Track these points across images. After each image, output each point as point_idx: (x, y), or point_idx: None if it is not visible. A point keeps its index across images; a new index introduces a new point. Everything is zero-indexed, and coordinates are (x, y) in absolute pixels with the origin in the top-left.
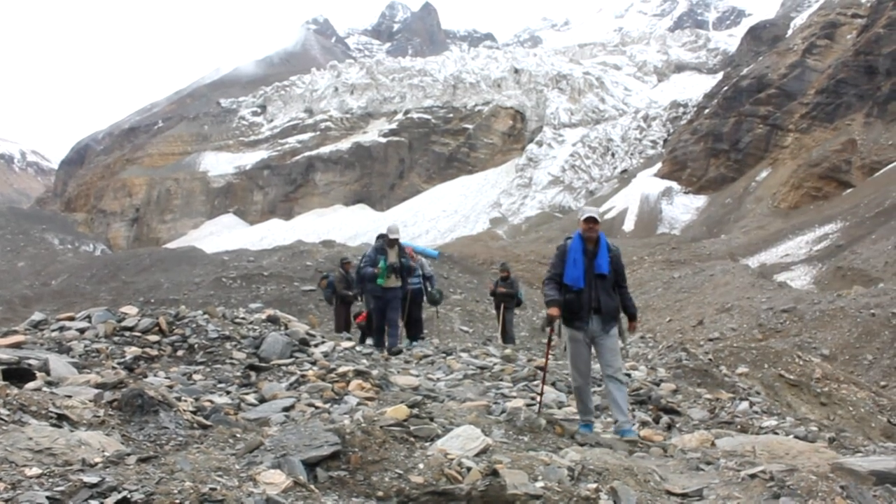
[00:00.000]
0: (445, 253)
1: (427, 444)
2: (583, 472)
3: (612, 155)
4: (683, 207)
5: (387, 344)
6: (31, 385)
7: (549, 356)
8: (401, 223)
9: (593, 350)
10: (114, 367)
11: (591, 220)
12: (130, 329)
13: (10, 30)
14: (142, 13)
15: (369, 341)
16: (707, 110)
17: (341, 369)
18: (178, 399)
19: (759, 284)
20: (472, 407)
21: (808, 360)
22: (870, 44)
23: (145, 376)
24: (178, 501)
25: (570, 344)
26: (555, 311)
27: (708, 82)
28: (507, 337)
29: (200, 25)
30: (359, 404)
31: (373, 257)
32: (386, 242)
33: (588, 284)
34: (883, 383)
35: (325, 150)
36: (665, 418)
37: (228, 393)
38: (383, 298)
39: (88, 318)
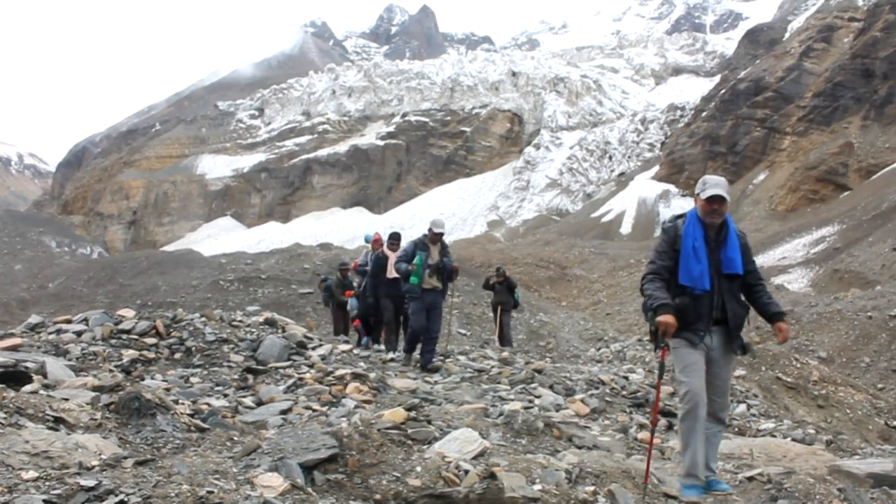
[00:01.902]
0: None
1: (424, 446)
2: (580, 475)
3: (610, 158)
4: (681, 210)
5: (422, 359)
6: (27, 388)
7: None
8: (398, 226)
9: None
10: (111, 370)
11: (716, 200)
12: (127, 332)
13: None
14: (140, 15)
15: (377, 347)
16: (704, 113)
17: (339, 372)
18: (176, 402)
19: None
20: (469, 410)
21: (805, 363)
22: (867, 47)
23: (142, 379)
24: None
25: (682, 357)
26: (669, 318)
27: (705, 85)
28: (505, 340)
29: (198, 28)
30: (356, 407)
31: (409, 251)
32: (429, 238)
33: (713, 286)
34: (880, 386)
35: (322, 152)
36: (663, 421)
37: (226, 396)
38: (422, 301)
39: (85, 320)
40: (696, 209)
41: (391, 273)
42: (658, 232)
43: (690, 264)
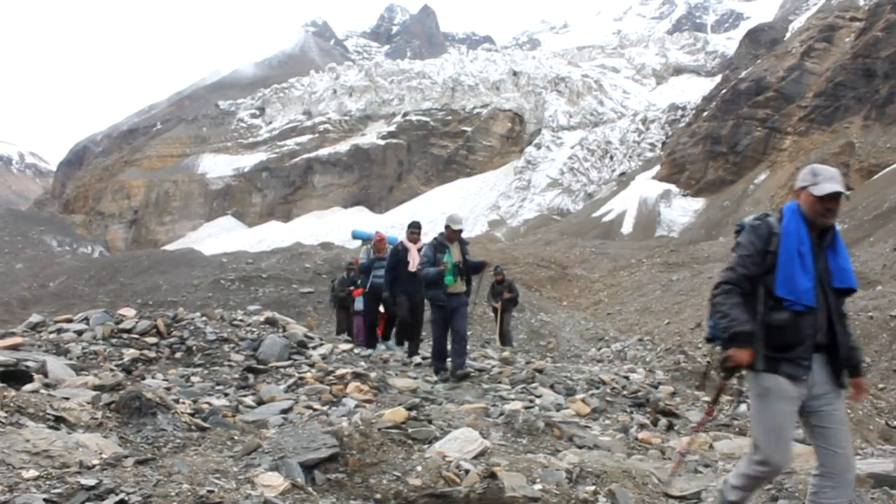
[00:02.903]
0: None
1: (425, 446)
2: (581, 475)
3: (611, 157)
4: (682, 210)
5: (450, 365)
6: (28, 387)
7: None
8: (399, 225)
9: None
10: (112, 370)
11: (834, 199)
12: (128, 331)
13: (8, 31)
14: (141, 15)
15: (389, 344)
16: (705, 113)
17: (339, 371)
18: (176, 401)
19: None
20: (470, 409)
21: None
22: (868, 47)
23: (143, 378)
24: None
25: (767, 403)
26: (746, 355)
27: (706, 85)
28: (505, 339)
29: (200, 27)
30: (357, 406)
31: (431, 255)
32: (446, 235)
33: (818, 302)
34: (881, 386)
35: (323, 152)
36: (663, 421)
37: (226, 395)
38: (447, 307)
39: (86, 320)
40: (797, 205)
41: (413, 266)
42: (659, 231)
43: (795, 273)
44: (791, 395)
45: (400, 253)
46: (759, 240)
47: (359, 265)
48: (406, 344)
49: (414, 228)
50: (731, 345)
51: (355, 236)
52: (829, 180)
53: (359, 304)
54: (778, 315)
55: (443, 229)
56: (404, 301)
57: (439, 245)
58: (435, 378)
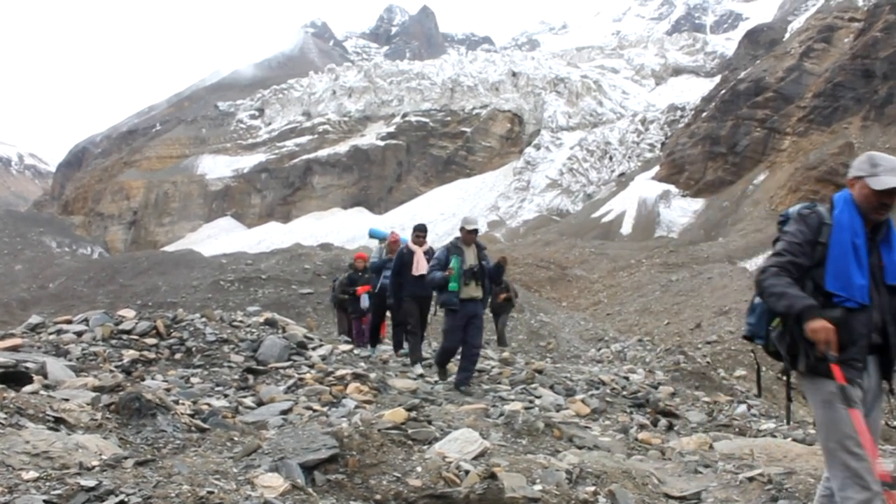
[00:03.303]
0: None
1: (425, 447)
2: (581, 476)
3: (610, 158)
4: (681, 210)
5: (457, 376)
6: (28, 388)
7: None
8: (398, 226)
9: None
10: (111, 371)
11: (892, 194)
12: (128, 332)
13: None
14: (140, 16)
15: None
16: (705, 114)
17: (339, 372)
18: (176, 402)
19: None
20: (470, 410)
21: None
22: (867, 47)
23: (143, 379)
24: None
25: (842, 416)
26: (826, 326)
27: (705, 86)
28: (501, 341)
29: (199, 28)
30: (356, 407)
31: (443, 258)
32: (461, 238)
33: (872, 299)
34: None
35: (322, 153)
36: (663, 421)
37: (226, 396)
38: (461, 314)
39: (86, 321)
40: (849, 195)
41: (417, 270)
42: (659, 232)
43: (849, 267)
44: (851, 397)
45: (405, 256)
46: (809, 229)
47: (370, 264)
48: (405, 346)
49: (419, 231)
50: (805, 319)
51: (372, 235)
52: (889, 172)
53: (364, 303)
54: (829, 312)
55: (446, 230)
56: (413, 307)
57: (453, 248)
58: (435, 379)
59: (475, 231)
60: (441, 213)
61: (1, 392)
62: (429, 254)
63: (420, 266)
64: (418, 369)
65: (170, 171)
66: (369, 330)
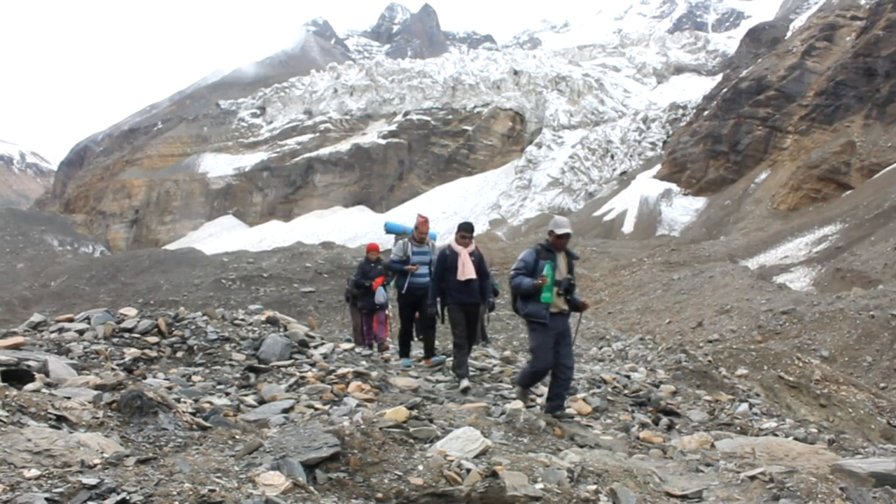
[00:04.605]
0: None
1: (426, 445)
2: (582, 474)
3: (612, 157)
4: (683, 209)
5: (548, 404)
6: (30, 386)
7: None
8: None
9: None
10: (113, 369)
11: None
12: (129, 330)
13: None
14: (142, 14)
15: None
16: (706, 112)
17: (340, 371)
18: (178, 400)
19: (759, 286)
20: (471, 408)
21: (807, 362)
22: (869, 46)
23: (144, 378)
24: (177, 503)
25: None
26: None
27: (707, 84)
28: (483, 334)
29: (201, 27)
30: (358, 406)
31: (530, 262)
32: (552, 243)
33: None
34: (882, 385)
35: (324, 151)
36: (665, 420)
37: (228, 394)
38: (551, 330)
39: (87, 319)
40: None
41: (463, 274)
42: (660, 230)
43: None
44: None
45: (448, 258)
46: None
47: (390, 261)
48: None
49: (465, 231)
50: None
51: (389, 230)
52: None
53: (379, 297)
54: None
55: (447, 228)
56: (459, 316)
57: (543, 251)
58: (436, 378)
59: (567, 236)
60: (443, 211)
61: (3, 390)
62: (475, 256)
63: (466, 270)
64: (465, 383)
65: (171, 170)
66: (399, 337)
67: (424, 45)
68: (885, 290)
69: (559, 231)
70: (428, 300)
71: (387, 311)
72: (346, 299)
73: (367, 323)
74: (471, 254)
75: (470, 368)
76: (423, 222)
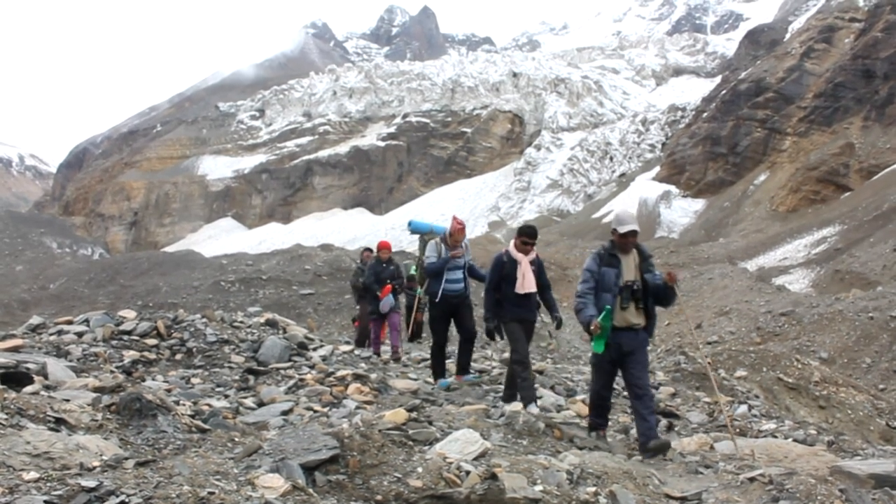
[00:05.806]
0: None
1: (426, 447)
2: (582, 476)
3: (611, 159)
4: (682, 211)
5: (640, 437)
6: (29, 389)
7: None
8: (399, 227)
9: None
10: (112, 371)
11: None
12: (129, 333)
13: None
14: (141, 17)
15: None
16: (705, 114)
17: (340, 373)
18: (177, 403)
19: (758, 288)
20: (470, 411)
21: (806, 364)
22: (867, 48)
23: (143, 380)
24: None
25: None
26: None
27: (706, 86)
28: (414, 336)
29: (200, 29)
30: (357, 408)
31: (595, 269)
32: (616, 243)
33: None
34: (881, 386)
35: (323, 153)
36: (664, 422)
37: (227, 397)
38: (614, 349)
39: (87, 321)
40: None
41: (523, 287)
42: (660, 232)
43: None
44: None
45: (505, 266)
46: None
47: (426, 265)
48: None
49: (526, 236)
50: None
51: (415, 230)
52: None
53: (385, 306)
54: None
55: (615, 231)
56: (518, 331)
57: (606, 255)
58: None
59: (633, 233)
60: (442, 213)
61: (2, 392)
62: (535, 264)
63: (527, 282)
64: (534, 409)
65: (170, 172)
66: (432, 355)
67: (423, 47)
68: (883, 291)
69: (623, 229)
70: (484, 314)
71: (401, 315)
72: (359, 295)
73: (376, 330)
74: (531, 262)
75: (473, 370)
76: (459, 230)
